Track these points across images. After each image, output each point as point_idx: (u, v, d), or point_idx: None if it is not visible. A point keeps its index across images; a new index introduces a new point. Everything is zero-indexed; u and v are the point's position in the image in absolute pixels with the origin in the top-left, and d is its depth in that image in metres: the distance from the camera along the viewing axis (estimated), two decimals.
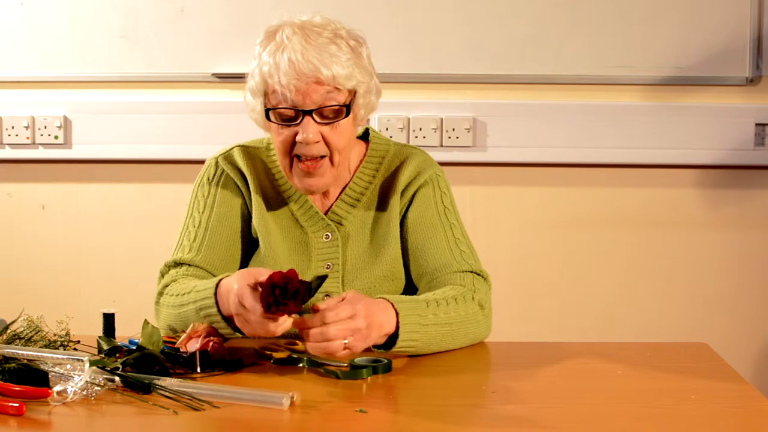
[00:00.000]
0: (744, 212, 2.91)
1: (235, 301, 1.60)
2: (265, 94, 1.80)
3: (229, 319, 1.68)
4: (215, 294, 1.68)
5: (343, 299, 1.61)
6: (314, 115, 1.77)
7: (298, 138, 1.78)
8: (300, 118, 1.78)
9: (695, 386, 1.59)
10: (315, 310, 1.58)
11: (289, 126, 1.79)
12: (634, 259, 2.93)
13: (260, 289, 1.55)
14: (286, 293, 1.53)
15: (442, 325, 1.73)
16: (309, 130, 1.77)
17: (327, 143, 1.80)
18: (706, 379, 1.63)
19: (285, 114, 1.79)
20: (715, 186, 2.90)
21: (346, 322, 1.57)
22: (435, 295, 1.78)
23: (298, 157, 1.81)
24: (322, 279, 1.60)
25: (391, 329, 1.66)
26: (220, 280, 1.70)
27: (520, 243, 2.92)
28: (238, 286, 1.60)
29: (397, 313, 1.66)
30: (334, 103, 1.78)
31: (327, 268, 1.89)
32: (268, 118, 1.80)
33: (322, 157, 1.81)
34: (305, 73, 1.74)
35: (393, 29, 2.81)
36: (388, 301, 1.67)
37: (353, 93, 1.81)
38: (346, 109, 1.80)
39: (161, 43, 2.84)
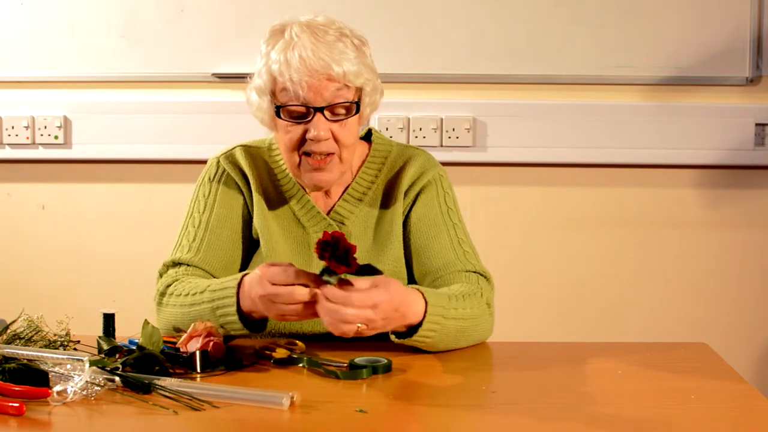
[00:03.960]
0: (744, 212, 2.91)
1: (260, 283, 1.61)
2: (273, 93, 1.80)
3: (245, 319, 1.68)
4: (237, 293, 1.68)
5: (375, 285, 1.59)
6: (325, 112, 1.78)
7: (308, 135, 1.79)
8: (311, 115, 1.78)
9: (695, 386, 1.59)
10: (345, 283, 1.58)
11: (299, 123, 1.80)
12: (634, 259, 2.93)
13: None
14: (340, 251, 1.55)
15: (458, 320, 1.73)
16: (320, 126, 1.78)
17: (336, 140, 1.81)
18: (706, 379, 1.63)
19: (295, 111, 1.80)
20: (715, 186, 2.90)
21: (366, 310, 1.57)
22: (451, 290, 1.79)
23: (306, 153, 1.82)
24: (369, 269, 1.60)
25: (416, 321, 1.66)
26: (243, 276, 1.69)
27: (520, 243, 2.92)
28: (261, 271, 1.62)
29: (426, 303, 1.67)
30: (344, 100, 1.79)
31: None
32: (278, 115, 1.81)
33: (330, 154, 1.82)
34: (317, 70, 1.75)
35: (393, 29, 2.81)
36: (419, 291, 1.68)
37: (360, 91, 1.82)
38: (356, 106, 1.81)
39: (161, 43, 2.84)
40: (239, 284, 1.69)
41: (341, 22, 1.84)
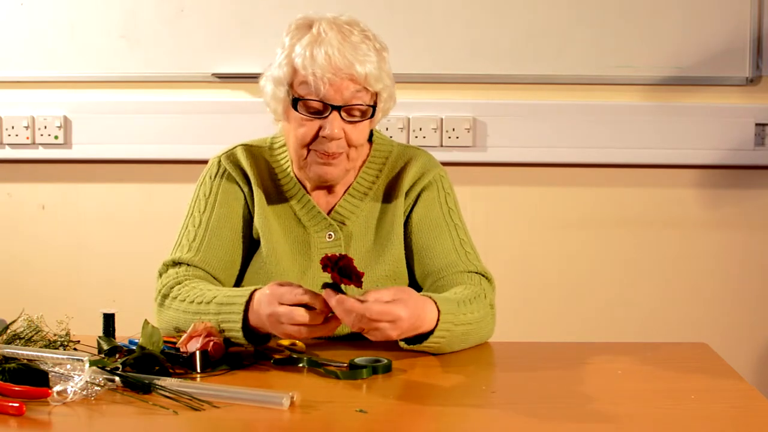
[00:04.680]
0: (744, 212, 2.91)
1: (268, 302, 1.62)
2: (291, 85, 1.81)
3: (249, 333, 1.68)
4: (246, 308, 1.67)
5: (396, 299, 1.59)
6: (342, 112, 1.78)
7: (322, 132, 1.80)
8: (328, 113, 1.79)
9: (695, 386, 1.59)
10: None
11: (314, 119, 1.80)
12: (634, 259, 2.93)
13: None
14: (346, 270, 1.56)
15: (465, 325, 1.74)
16: (335, 125, 1.79)
17: (347, 140, 1.82)
18: (706, 379, 1.63)
19: (312, 107, 1.80)
20: (715, 186, 2.90)
21: (384, 324, 1.57)
22: (457, 294, 1.79)
23: (315, 149, 1.82)
24: None
25: (428, 329, 1.67)
26: (253, 292, 1.69)
27: (520, 243, 2.92)
28: (270, 290, 1.63)
29: (438, 311, 1.67)
30: (362, 103, 1.79)
31: None
32: (295, 107, 1.81)
33: (340, 153, 1.82)
34: (341, 68, 1.76)
35: (393, 29, 2.80)
36: (431, 299, 1.68)
37: (376, 96, 1.82)
38: (372, 109, 1.82)
39: (161, 43, 2.84)
40: (248, 301, 1.68)
41: (364, 24, 1.84)
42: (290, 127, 1.85)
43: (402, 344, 1.70)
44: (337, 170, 1.85)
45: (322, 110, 1.80)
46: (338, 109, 1.78)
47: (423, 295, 1.68)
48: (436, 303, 1.68)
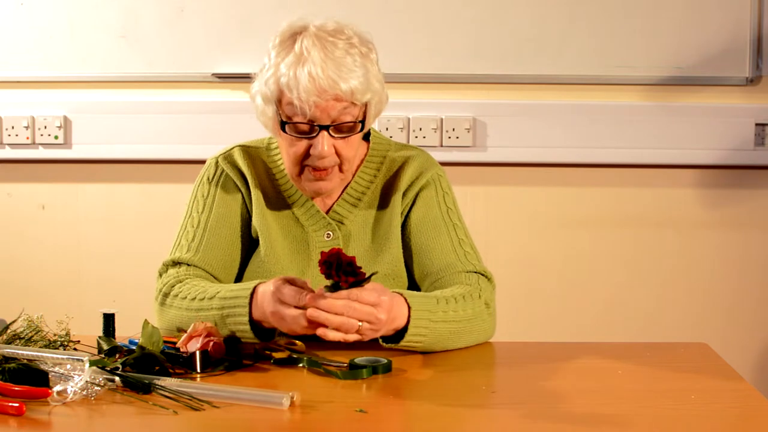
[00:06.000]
0: (744, 212, 2.91)
1: (271, 300, 1.63)
2: (279, 102, 1.80)
3: (256, 327, 1.69)
4: (250, 303, 1.69)
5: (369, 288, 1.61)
6: (330, 130, 1.78)
7: (312, 151, 1.79)
8: (316, 132, 1.78)
9: (695, 386, 1.59)
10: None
11: (303, 138, 1.80)
12: (634, 259, 2.93)
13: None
14: (345, 266, 1.57)
15: (450, 323, 1.73)
16: (324, 143, 1.78)
17: (338, 154, 1.81)
18: (706, 379, 1.63)
19: (300, 127, 1.79)
20: (715, 186, 2.90)
21: (369, 307, 1.59)
22: (444, 293, 1.79)
23: (308, 165, 1.83)
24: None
25: (401, 324, 1.67)
26: (256, 286, 1.70)
27: (520, 243, 2.92)
28: (274, 286, 1.64)
29: (409, 308, 1.67)
30: (350, 119, 1.79)
31: None
32: (283, 129, 1.80)
33: (332, 166, 1.83)
34: (325, 90, 1.74)
35: (393, 29, 2.81)
36: (401, 295, 1.68)
37: (366, 105, 1.82)
38: (361, 124, 1.81)
39: (161, 43, 2.84)
40: (252, 293, 1.69)
41: (350, 28, 1.81)
42: (282, 144, 1.85)
43: (381, 342, 1.70)
44: (330, 183, 1.85)
45: (309, 130, 1.79)
46: (326, 128, 1.78)
47: (393, 291, 1.68)
48: (406, 299, 1.68)
